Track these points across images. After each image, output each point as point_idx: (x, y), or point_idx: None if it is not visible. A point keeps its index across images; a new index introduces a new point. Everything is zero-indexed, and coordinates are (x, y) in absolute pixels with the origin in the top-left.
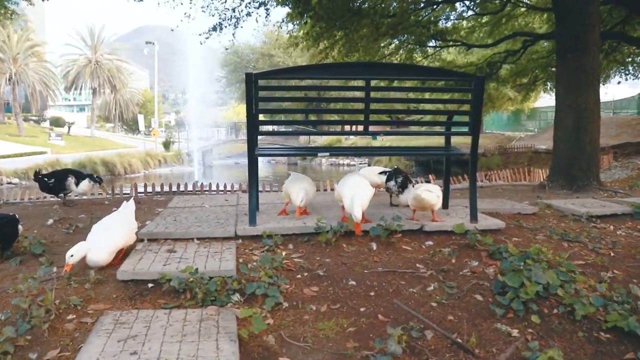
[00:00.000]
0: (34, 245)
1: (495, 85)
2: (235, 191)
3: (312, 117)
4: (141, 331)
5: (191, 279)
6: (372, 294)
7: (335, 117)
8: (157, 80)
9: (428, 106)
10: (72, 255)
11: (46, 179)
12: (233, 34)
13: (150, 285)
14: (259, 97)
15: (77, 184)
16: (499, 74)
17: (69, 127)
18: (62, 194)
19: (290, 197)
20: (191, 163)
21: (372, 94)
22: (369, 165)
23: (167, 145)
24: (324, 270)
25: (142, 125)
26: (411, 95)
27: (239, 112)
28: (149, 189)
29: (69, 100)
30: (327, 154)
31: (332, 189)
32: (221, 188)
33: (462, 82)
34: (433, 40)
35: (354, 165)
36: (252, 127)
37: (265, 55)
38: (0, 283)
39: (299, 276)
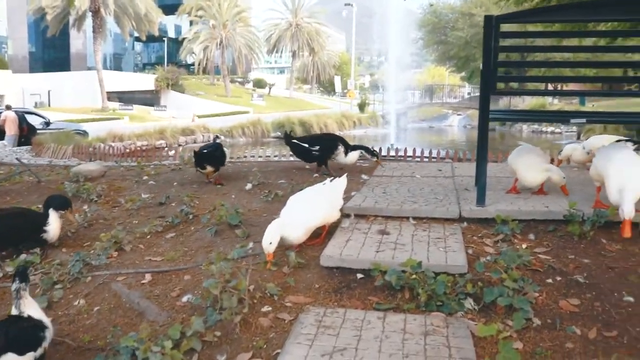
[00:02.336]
0: (231, 215)
1: None
2: (443, 159)
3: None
4: (350, 342)
5: (413, 276)
6: None
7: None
8: (354, 42)
9: None
10: (270, 243)
11: (306, 145)
12: None
13: (359, 276)
14: (500, 46)
15: (345, 154)
16: None
17: (270, 89)
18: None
19: (517, 174)
20: (386, 125)
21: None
22: (579, 134)
23: (362, 106)
24: (583, 275)
25: (338, 87)
26: None
27: (434, 74)
28: None
29: (270, 63)
30: (584, 120)
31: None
32: (427, 154)
33: None
34: None
35: (560, 133)
36: (489, 84)
37: (465, 14)
38: (194, 255)
39: (549, 280)
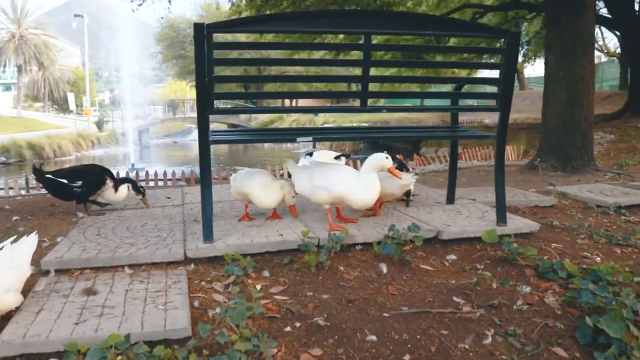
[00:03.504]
0: None
1: (442, 58)
2: (178, 182)
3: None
4: None
5: (119, 357)
6: (407, 358)
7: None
8: (87, 56)
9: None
10: None
11: (64, 180)
12: (169, 1)
13: None
14: (215, 59)
15: (115, 189)
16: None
17: None
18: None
19: (252, 198)
20: (127, 143)
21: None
22: (314, 145)
23: (100, 125)
24: (323, 315)
25: (72, 105)
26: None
27: (176, 89)
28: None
29: None
30: (310, 138)
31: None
32: (160, 177)
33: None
34: None
35: (298, 143)
36: (205, 102)
37: None
38: None
39: (288, 329)
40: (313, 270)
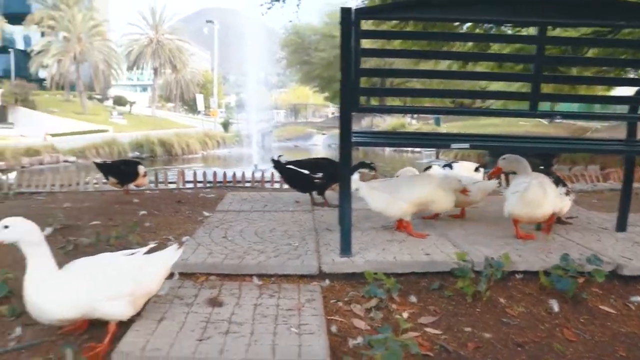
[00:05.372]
0: None
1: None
2: None
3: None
4: None
5: None
6: None
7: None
8: (216, 59)
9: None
10: None
11: (306, 171)
12: (297, 5)
13: None
14: (362, 49)
15: None
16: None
17: (131, 106)
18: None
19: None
20: (250, 145)
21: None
22: (437, 154)
23: (225, 125)
24: None
25: (200, 105)
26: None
27: (299, 94)
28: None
29: (132, 80)
30: (467, 145)
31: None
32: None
33: None
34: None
35: (419, 152)
36: (350, 100)
37: (327, 36)
38: None
39: None
40: (469, 300)
